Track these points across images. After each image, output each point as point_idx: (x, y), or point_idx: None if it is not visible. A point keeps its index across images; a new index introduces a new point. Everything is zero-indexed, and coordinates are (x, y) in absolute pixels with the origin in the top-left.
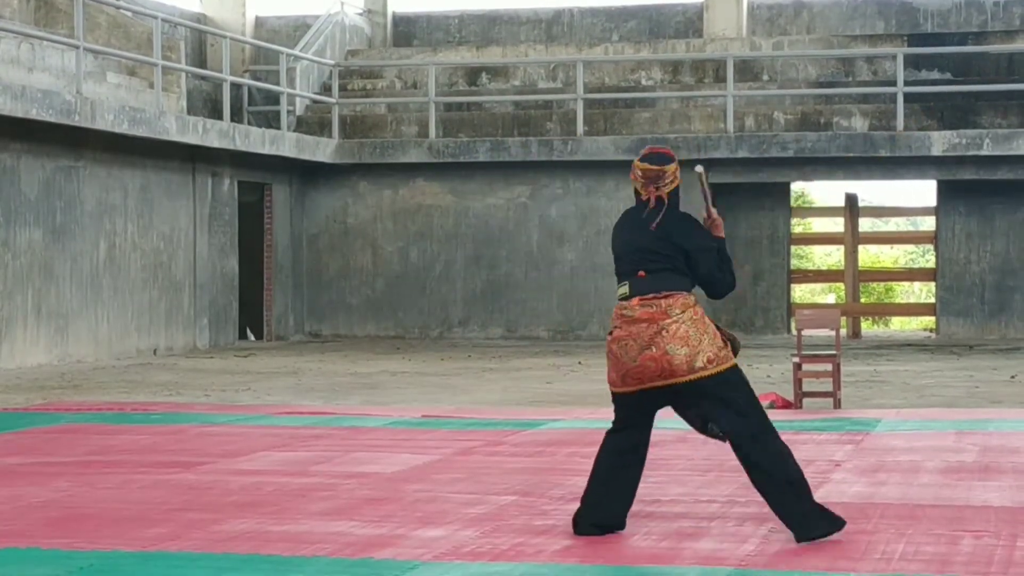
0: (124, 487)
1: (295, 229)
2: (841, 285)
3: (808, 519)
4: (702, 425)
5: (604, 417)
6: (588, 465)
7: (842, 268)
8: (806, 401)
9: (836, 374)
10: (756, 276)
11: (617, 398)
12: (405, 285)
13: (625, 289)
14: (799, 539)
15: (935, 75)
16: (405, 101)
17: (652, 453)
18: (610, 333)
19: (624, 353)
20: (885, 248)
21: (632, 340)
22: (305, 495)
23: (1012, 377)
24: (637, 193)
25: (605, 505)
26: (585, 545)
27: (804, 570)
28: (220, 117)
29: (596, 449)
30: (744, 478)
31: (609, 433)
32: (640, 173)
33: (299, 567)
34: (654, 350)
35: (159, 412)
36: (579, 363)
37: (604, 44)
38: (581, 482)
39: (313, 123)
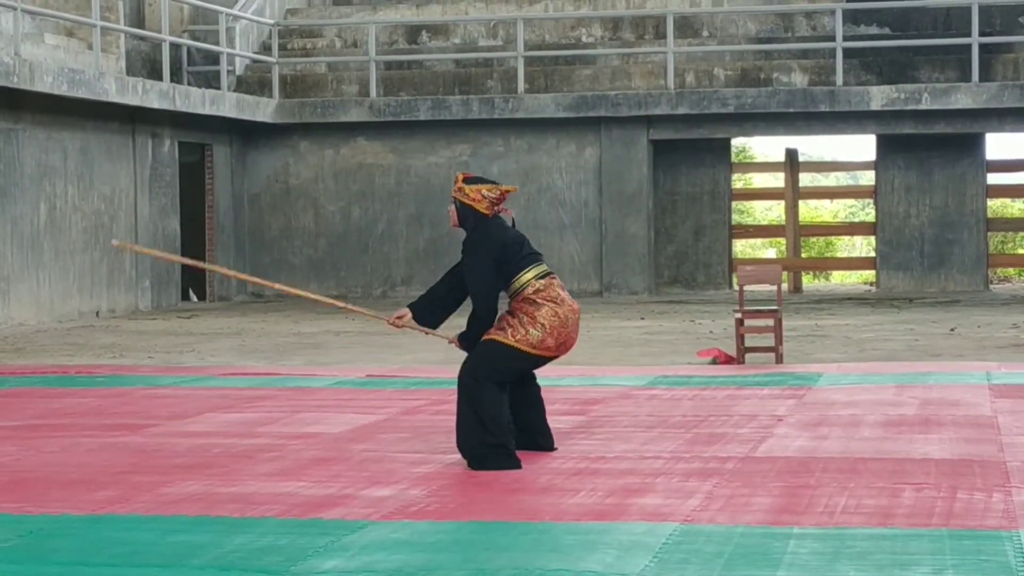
0: (71, 450)
1: (236, 189)
2: (782, 240)
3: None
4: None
5: (544, 375)
6: None
7: (783, 223)
8: (748, 356)
9: (778, 329)
10: (697, 232)
11: (531, 359)
12: (347, 244)
13: (545, 267)
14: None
15: (873, 30)
16: (345, 60)
17: (596, 410)
18: (552, 300)
19: (572, 323)
20: (825, 202)
21: (573, 315)
22: (252, 456)
23: (951, 330)
24: (473, 211)
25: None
26: (532, 502)
27: (748, 524)
28: (160, 78)
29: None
30: (688, 434)
31: (499, 385)
32: (492, 195)
33: (248, 528)
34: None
35: (103, 375)
36: None
37: (544, 1)
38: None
39: (253, 83)
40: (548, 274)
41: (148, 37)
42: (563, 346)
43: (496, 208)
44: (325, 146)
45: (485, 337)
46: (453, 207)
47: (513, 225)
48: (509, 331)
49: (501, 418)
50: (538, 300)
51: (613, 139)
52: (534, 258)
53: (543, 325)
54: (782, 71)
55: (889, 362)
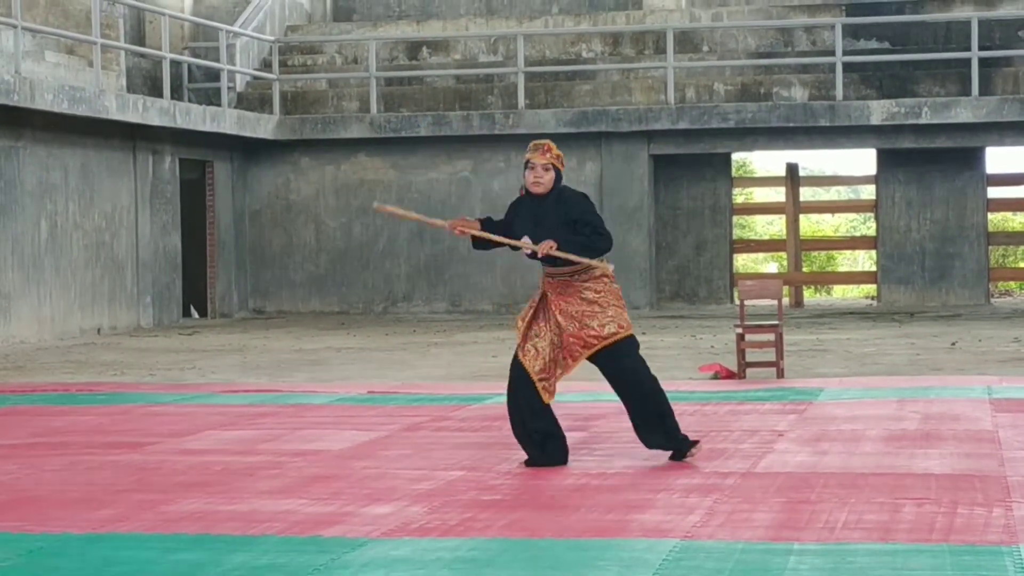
0: (71, 469)
1: (237, 206)
2: (783, 254)
3: None
4: None
5: None
6: None
7: (784, 237)
8: (749, 371)
9: (779, 344)
10: (698, 246)
11: None
12: (348, 260)
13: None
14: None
15: (873, 44)
16: (346, 76)
17: (597, 426)
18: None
19: None
20: (826, 217)
21: None
22: (253, 474)
23: (953, 344)
24: (561, 174)
25: None
26: (533, 519)
27: (749, 540)
28: (160, 95)
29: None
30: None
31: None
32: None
33: (249, 546)
34: None
35: (104, 392)
36: None
37: (544, 17)
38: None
39: (254, 99)
40: None
41: (148, 54)
42: None
43: None
44: (326, 162)
45: (616, 338)
46: (551, 174)
47: None
48: (621, 322)
49: None
50: (611, 279)
51: (614, 154)
52: None
53: (624, 307)
54: (782, 86)
55: (890, 376)
